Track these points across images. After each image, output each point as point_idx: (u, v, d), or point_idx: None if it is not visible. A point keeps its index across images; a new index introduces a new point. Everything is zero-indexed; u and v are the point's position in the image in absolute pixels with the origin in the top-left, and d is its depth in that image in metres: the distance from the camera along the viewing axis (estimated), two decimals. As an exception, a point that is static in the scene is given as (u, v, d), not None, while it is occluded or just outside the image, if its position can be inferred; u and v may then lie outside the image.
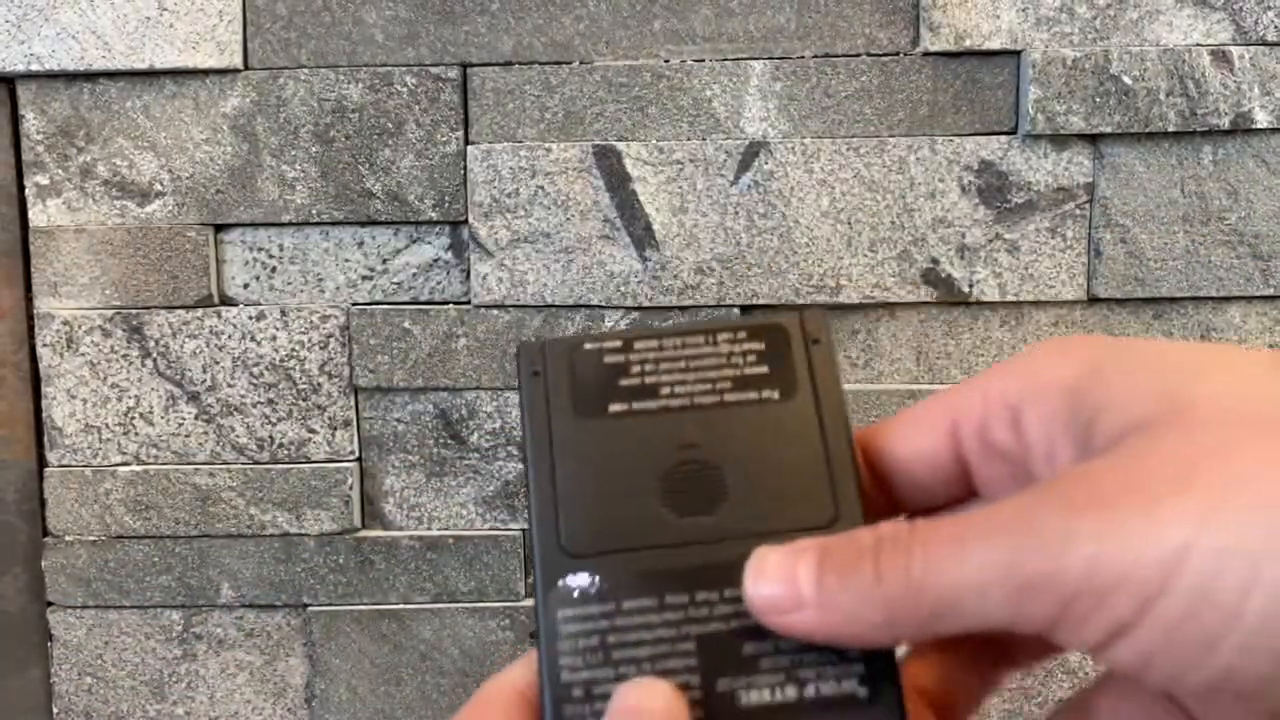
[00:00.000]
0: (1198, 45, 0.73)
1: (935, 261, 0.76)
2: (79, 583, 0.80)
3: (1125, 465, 0.19)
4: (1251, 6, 0.73)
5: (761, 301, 0.77)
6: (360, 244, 0.78)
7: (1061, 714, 0.24)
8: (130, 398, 0.79)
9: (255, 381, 0.78)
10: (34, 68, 0.75)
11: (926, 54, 0.74)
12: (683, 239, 0.76)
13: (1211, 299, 0.76)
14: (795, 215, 0.76)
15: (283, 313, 0.78)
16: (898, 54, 0.75)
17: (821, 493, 0.23)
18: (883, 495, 0.25)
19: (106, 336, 0.78)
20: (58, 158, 0.77)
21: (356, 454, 0.80)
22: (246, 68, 0.76)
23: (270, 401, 0.79)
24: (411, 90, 0.76)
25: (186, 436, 0.79)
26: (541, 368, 0.24)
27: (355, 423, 0.79)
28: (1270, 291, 0.75)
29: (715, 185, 0.75)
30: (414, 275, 0.78)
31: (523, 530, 0.80)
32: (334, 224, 0.78)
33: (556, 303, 0.77)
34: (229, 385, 0.78)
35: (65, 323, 0.78)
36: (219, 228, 0.78)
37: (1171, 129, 0.73)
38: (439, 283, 0.78)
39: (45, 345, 0.78)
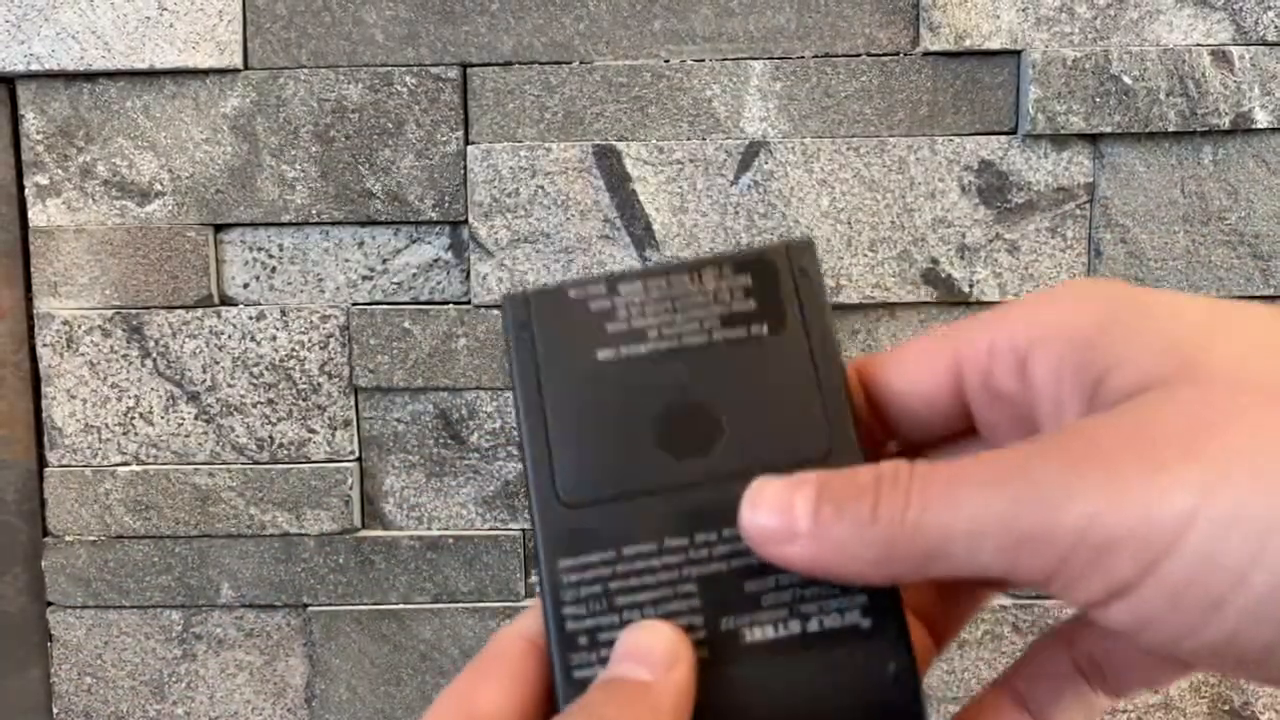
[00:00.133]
0: (1198, 45, 0.73)
1: (935, 261, 0.76)
2: (79, 583, 0.80)
3: (1132, 425, 0.18)
4: (1252, 6, 0.73)
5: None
6: (360, 244, 0.78)
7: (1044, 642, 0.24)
8: (130, 398, 0.79)
9: (255, 381, 0.78)
10: (34, 67, 0.75)
11: (926, 54, 0.74)
12: (683, 239, 0.76)
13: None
14: (795, 215, 0.76)
15: (283, 313, 0.78)
16: (898, 54, 0.75)
17: (816, 426, 0.23)
18: (879, 426, 0.24)
19: (106, 336, 0.78)
20: (57, 158, 0.77)
21: (356, 454, 0.80)
22: (246, 68, 0.76)
23: (270, 401, 0.79)
24: (411, 90, 0.76)
25: (186, 436, 0.79)
26: (528, 318, 0.24)
27: (355, 423, 0.79)
28: (1270, 291, 0.75)
29: (715, 185, 0.75)
30: (414, 275, 0.78)
31: (523, 530, 0.80)
32: (334, 224, 0.78)
33: (556, 303, 0.77)
34: (229, 385, 0.78)
35: (65, 323, 0.78)
36: (219, 227, 0.78)
37: (1172, 129, 0.73)
38: (439, 283, 0.78)
39: (45, 345, 0.78)
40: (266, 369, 0.78)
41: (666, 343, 0.24)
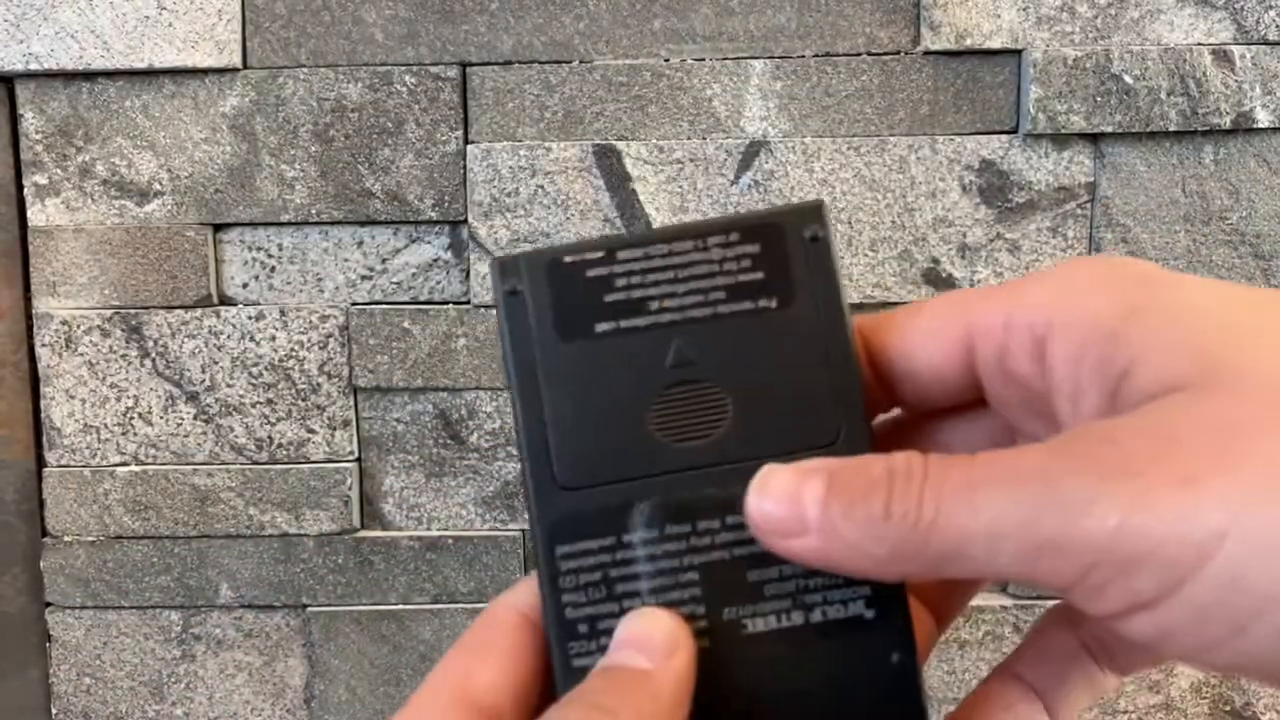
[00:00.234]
0: (1199, 44, 0.73)
1: (936, 261, 0.76)
2: (78, 583, 0.80)
3: (1159, 431, 0.18)
4: (1253, 6, 0.73)
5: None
6: (360, 244, 0.78)
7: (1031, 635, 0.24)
8: (129, 398, 0.79)
9: (254, 381, 0.78)
10: (33, 67, 0.75)
11: (927, 53, 0.74)
12: (683, 239, 0.76)
13: (1213, 299, 0.76)
14: (795, 215, 0.75)
15: (282, 313, 0.78)
16: (898, 53, 0.75)
17: (824, 409, 0.22)
18: (883, 392, 0.23)
19: (105, 336, 0.78)
20: (56, 157, 0.77)
21: (356, 454, 0.79)
22: (245, 67, 0.76)
23: (269, 401, 0.78)
24: (411, 90, 0.76)
25: (185, 437, 0.79)
26: (520, 285, 0.22)
27: (355, 423, 0.79)
28: (1271, 291, 0.75)
29: (715, 185, 0.75)
30: (413, 275, 0.78)
31: (523, 531, 0.80)
32: (333, 224, 0.78)
33: (556, 302, 0.77)
34: (228, 385, 0.78)
35: (64, 323, 0.78)
36: (218, 227, 0.78)
37: (1173, 128, 0.73)
38: (439, 282, 0.78)
39: (44, 345, 0.78)
40: (266, 369, 0.78)
41: (669, 315, 0.22)
